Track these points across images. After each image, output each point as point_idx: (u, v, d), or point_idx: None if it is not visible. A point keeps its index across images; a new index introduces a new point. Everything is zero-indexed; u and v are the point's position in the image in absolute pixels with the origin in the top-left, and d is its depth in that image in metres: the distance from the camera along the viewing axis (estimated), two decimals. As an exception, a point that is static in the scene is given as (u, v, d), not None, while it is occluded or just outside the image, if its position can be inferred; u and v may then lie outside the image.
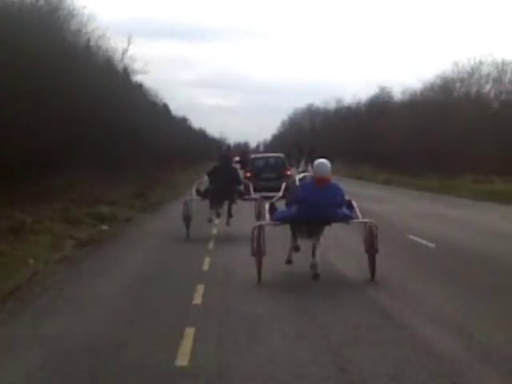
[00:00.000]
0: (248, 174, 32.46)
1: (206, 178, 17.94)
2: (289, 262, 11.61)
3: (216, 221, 17.45)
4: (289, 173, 29.27)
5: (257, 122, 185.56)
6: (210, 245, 15.41)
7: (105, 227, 18.24)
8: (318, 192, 10.90)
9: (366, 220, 11.51)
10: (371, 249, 11.10)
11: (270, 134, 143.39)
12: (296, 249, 11.62)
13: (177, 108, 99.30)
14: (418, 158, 46.22)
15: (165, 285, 10.87)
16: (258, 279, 10.87)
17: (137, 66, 39.30)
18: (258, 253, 11.03)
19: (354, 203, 11.61)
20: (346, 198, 11.45)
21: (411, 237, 16.29)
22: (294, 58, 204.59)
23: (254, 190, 18.43)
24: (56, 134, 22.63)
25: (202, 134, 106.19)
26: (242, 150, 37.65)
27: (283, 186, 13.13)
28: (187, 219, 16.69)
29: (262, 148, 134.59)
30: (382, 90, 70.03)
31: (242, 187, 17.72)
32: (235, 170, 18.16)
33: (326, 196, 10.90)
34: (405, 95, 60.16)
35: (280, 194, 12.89)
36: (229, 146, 20.25)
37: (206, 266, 12.46)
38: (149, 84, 49.08)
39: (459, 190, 33.18)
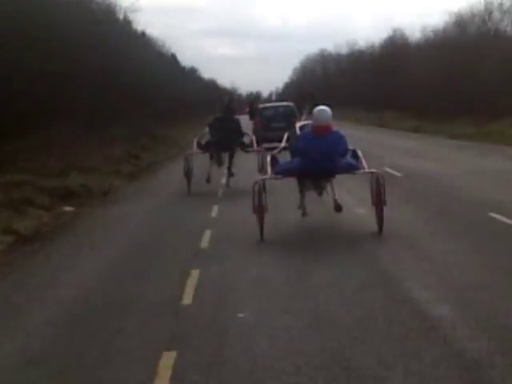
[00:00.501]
0: (257, 125, 30.78)
1: (206, 129, 17.25)
2: (304, 214, 11.18)
3: (222, 181, 16.56)
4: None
5: (269, 71, 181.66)
6: (214, 209, 13.73)
7: (68, 208, 13.35)
8: (319, 142, 10.29)
9: (373, 170, 10.83)
10: (379, 201, 10.36)
11: (282, 83, 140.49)
12: (303, 214, 11.12)
13: (187, 59, 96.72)
14: (447, 102, 41.15)
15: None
16: (261, 237, 10.14)
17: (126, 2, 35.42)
18: (260, 209, 10.32)
19: (359, 152, 10.95)
20: (351, 147, 10.96)
21: (495, 216, 11.02)
22: (305, 2, 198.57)
23: (264, 141, 18.42)
24: (31, 86, 18.89)
25: (212, 85, 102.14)
26: (251, 99, 34.24)
27: (285, 136, 12.49)
28: (188, 174, 16.21)
29: (274, 97, 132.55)
30: (395, 31, 65.49)
31: (244, 139, 17.11)
32: (237, 120, 17.01)
33: (328, 145, 10.29)
34: (425, 33, 55.22)
35: (282, 144, 12.32)
36: (231, 97, 17.72)
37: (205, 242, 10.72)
38: (156, 34, 45.83)
39: (501, 137, 28.12)
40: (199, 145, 16.78)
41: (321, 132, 10.39)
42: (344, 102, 74.28)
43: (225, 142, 16.13)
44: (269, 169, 11.19)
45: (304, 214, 11.21)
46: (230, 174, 16.64)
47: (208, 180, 16.13)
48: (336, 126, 10.69)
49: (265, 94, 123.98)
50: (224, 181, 16.76)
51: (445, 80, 42.65)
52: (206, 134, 17.33)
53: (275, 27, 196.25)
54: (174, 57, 64.67)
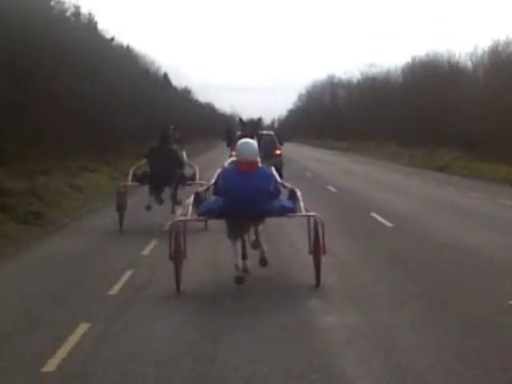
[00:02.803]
0: (233, 153, 27.52)
1: (144, 160, 15.97)
2: (239, 280, 9.13)
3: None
4: (278, 152, 28.89)
5: (274, 97, 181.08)
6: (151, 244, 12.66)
7: None
8: (243, 178, 9.19)
9: (311, 213, 9.79)
10: (316, 250, 9.37)
11: (286, 110, 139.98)
12: (237, 269, 9.17)
13: (190, 84, 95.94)
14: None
15: None
16: (177, 289, 9.04)
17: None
18: (176, 256, 9.17)
19: (298, 193, 9.95)
20: (289, 186, 10.19)
21: None
22: (314, 27, 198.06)
23: None
24: None
25: (209, 109, 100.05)
26: (228, 127, 31.58)
27: (218, 171, 11.06)
28: (121, 209, 14.99)
29: (276, 124, 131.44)
30: (413, 59, 60.88)
31: (184, 170, 16.11)
32: (175, 151, 15.84)
33: (253, 183, 9.17)
34: (475, 54, 46.46)
35: (212, 180, 10.76)
36: (176, 126, 17.50)
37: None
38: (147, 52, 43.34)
39: None
40: (134, 176, 15.68)
41: (246, 167, 9.24)
42: (363, 133, 65.01)
43: (161, 174, 15.04)
44: (190, 208, 9.96)
45: (238, 271, 9.20)
46: (175, 202, 15.37)
47: (148, 207, 15.07)
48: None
49: (267, 120, 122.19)
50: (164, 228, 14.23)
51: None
52: (143, 164, 16.05)
53: (283, 55, 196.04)
54: (165, 76, 65.20)
